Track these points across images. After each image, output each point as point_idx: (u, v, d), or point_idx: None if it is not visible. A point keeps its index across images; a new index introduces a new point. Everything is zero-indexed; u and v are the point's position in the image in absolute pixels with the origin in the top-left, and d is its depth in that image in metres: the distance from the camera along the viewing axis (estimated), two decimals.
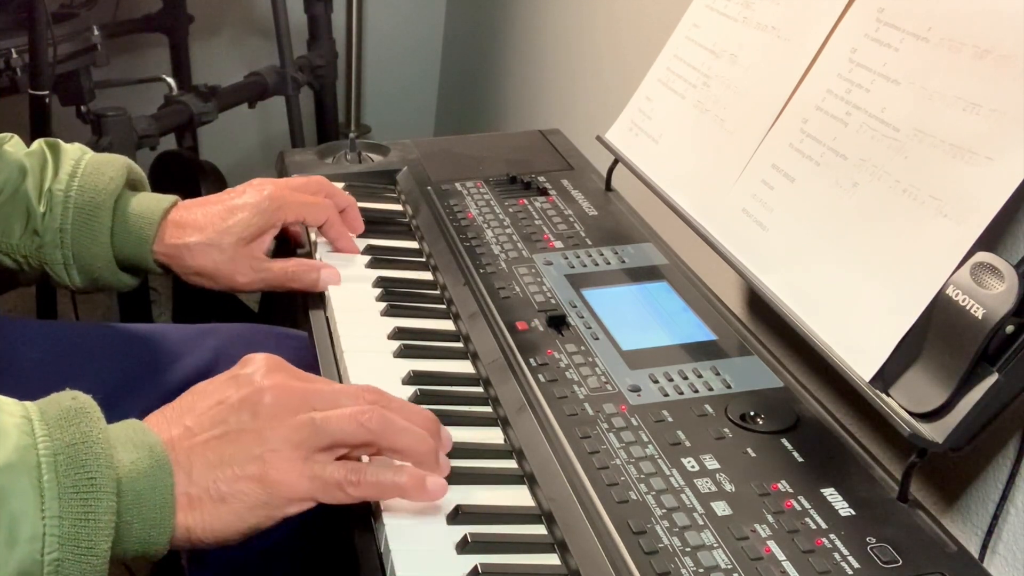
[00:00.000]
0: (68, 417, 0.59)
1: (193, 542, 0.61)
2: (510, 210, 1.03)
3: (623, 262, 0.94)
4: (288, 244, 1.00)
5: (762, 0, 0.92)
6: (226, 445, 0.62)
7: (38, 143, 0.93)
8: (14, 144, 0.93)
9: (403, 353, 0.81)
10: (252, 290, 0.93)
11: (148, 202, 0.92)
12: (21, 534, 0.54)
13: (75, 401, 0.60)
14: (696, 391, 0.75)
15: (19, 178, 0.89)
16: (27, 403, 0.60)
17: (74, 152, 0.93)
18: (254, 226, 0.91)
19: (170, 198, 0.93)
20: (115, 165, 0.92)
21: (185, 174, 1.93)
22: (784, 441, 0.70)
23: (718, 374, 0.77)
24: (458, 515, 0.64)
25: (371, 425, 0.63)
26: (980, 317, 0.61)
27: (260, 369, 0.65)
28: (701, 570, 0.60)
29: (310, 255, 0.97)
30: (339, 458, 0.64)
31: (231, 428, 0.62)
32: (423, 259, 0.98)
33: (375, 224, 1.02)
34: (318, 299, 0.91)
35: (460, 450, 0.70)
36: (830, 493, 0.66)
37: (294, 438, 0.62)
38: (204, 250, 0.90)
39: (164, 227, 0.91)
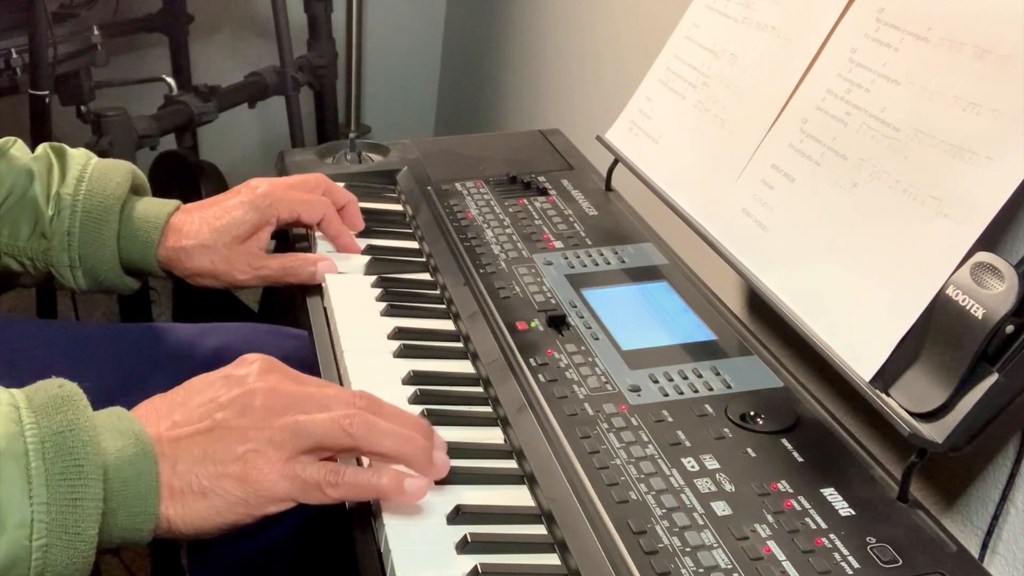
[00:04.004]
0: (55, 405, 0.59)
1: (173, 532, 0.62)
2: (510, 210, 1.03)
3: (623, 262, 0.94)
4: (288, 241, 1.01)
5: (762, 0, 0.92)
6: (211, 442, 0.62)
7: (42, 147, 0.95)
8: (19, 148, 0.94)
9: (403, 353, 0.82)
10: (252, 286, 0.95)
11: (152, 207, 0.94)
12: (9, 520, 0.55)
13: (61, 389, 0.61)
14: (696, 391, 0.75)
15: (27, 182, 0.91)
16: (14, 391, 0.61)
17: (80, 157, 0.95)
18: (247, 224, 0.92)
19: (172, 203, 0.95)
20: (121, 171, 0.94)
21: (185, 174, 1.93)
22: (784, 441, 0.70)
23: (718, 374, 0.77)
24: (458, 515, 0.64)
25: (353, 430, 0.63)
26: (980, 317, 0.61)
27: (254, 370, 0.66)
28: (701, 570, 0.60)
29: (309, 249, 0.98)
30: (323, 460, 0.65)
31: (218, 425, 0.63)
32: (423, 259, 0.98)
33: (375, 224, 1.02)
34: (317, 297, 0.92)
35: (460, 450, 0.70)
36: (830, 493, 0.66)
37: (276, 439, 0.62)
38: (201, 252, 0.92)
39: (165, 232, 0.93)
